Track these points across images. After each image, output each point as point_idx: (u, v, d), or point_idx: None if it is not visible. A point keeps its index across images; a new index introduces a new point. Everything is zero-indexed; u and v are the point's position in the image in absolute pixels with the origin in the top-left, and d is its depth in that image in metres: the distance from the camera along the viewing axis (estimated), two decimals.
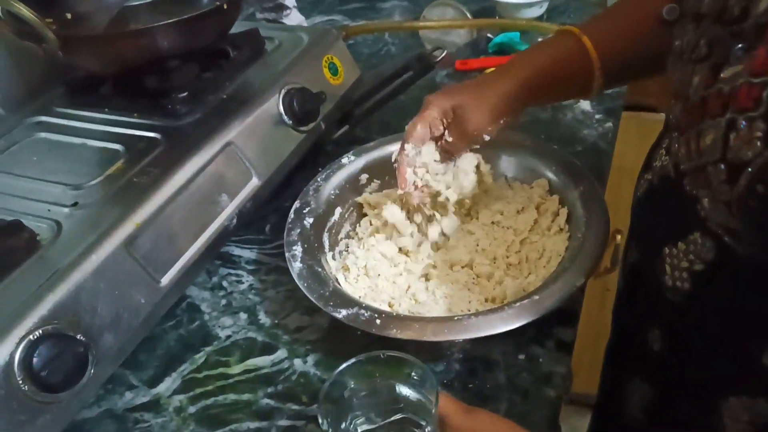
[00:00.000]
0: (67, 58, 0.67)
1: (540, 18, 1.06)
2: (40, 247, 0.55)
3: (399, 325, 0.54)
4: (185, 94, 0.71)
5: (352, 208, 0.72)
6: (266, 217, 0.75)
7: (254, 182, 0.68)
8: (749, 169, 0.35)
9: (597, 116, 0.83)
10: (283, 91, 0.73)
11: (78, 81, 0.78)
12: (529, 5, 1.04)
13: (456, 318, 0.54)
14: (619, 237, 0.64)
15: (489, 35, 1.01)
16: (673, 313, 0.46)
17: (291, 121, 0.73)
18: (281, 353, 0.59)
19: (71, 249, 0.54)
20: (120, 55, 0.68)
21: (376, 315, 0.55)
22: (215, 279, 0.68)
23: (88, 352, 0.50)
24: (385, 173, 0.72)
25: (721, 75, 0.38)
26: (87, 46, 0.67)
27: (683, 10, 0.45)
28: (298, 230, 0.66)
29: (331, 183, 0.71)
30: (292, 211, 0.68)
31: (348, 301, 0.57)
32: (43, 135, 0.71)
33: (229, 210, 0.65)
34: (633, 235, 0.55)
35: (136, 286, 0.56)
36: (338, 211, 0.70)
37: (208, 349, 0.61)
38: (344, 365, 0.46)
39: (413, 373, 0.46)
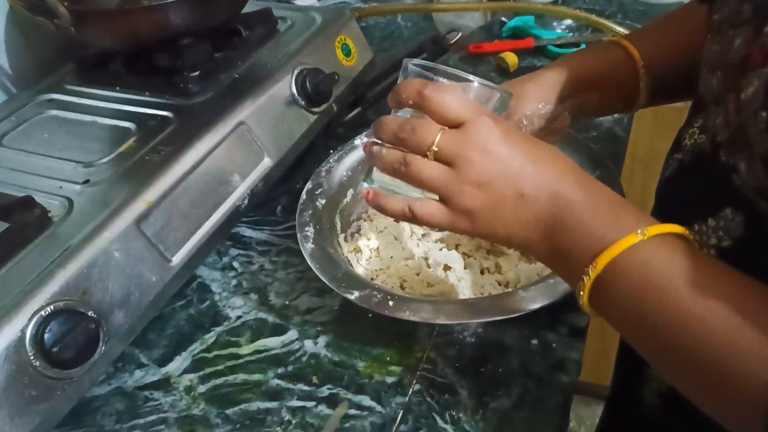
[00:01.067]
0: (80, 34, 0.66)
1: (554, 2, 1.04)
2: (52, 224, 0.54)
3: (412, 308, 0.53)
4: (197, 72, 0.71)
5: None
6: (277, 198, 0.74)
7: (266, 163, 0.67)
8: None
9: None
10: (295, 72, 0.72)
11: (89, 58, 0.77)
12: None
13: (470, 301, 0.54)
14: None
15: (503, 19, 1.00)
16: None
17: (303, 102, 0.72)
18: (292, 334, 0.59)
19: (83, 226, 0.54)
20: (133, 31, 0.67)
21: (389, 297, 0.54)
22: (226, 259, 0.68)
23: (100, 328, 0.50)
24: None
25: (765, 29, 0.38)
26: (100, 21, 0.67)
27: None
28: (310, 211, 0.65)
29: (343, 164, 0.71)
30: (304, 192, 0.67)
31: (360, 283, 0.56)
32: (54, 112, 0.70)
33: (240, 190, 0.64)
34: (656, 216, 0.54)
35: (147, 265, 0.56)
36: (350, 192, 0.70)
37: (218, 329, 0.60)
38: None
39: None
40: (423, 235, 0.66)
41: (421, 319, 0.52)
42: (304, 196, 0.67)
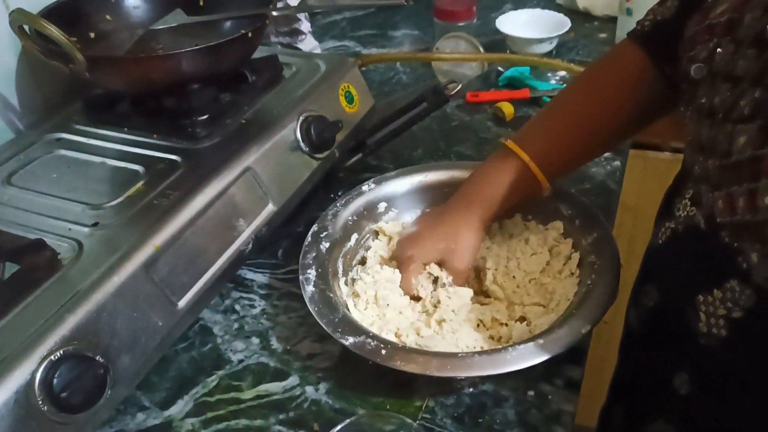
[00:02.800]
0: (94, 79, 0.68)
1: (549, 54, 1.08)
2: (62, 267, 0.55)
3: (403, 358, 0.55)
4: (205, 116, 0.72)
5: (368, 235, 0.73)
6: (279, 242, 0.75)
7: (270, 208, 0.69)
8: None
9: (605, 155, 0.85)
10: (301, 118, 0.74)
11: (97, 98, 0.78)
12: (539, 41, 1.07)
13: (460, 355, 0.55)
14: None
15: (500, 68, 1.03)
16: (706, 358, 0.47)
17: (307, 148, 0.74)
18: (293, 380, 0.60)
19: (92, 270, 0.54)
20: (145, 77, 0.69)
21: (382, 345, 0.56)
22: (228, 302, 0.69)
23: (107, 374, 0.51)
24: (404, 203, 0.75)
25: None
26: (114, 67, 0.68)
27: (712, 70, 0.46)
28: (314, 254, 0.67)
29: (349, 209, 0.73)
30: (309, 234, 0.69)
31: (356, 329, 0.58)
32: (62, 152, 0.72)
33: (245, 235, 0.66)
34: (650, 279, 0.56)
35: (154, 309, 0.56)
36: (354, 237, 0.71)
37: (220, 372, 0.61)
38: (339, 426, 0.48)
39: None
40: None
41: (411, 369, 0.54)
42: (309, 238, 0.69)
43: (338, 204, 0.73)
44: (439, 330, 0.62)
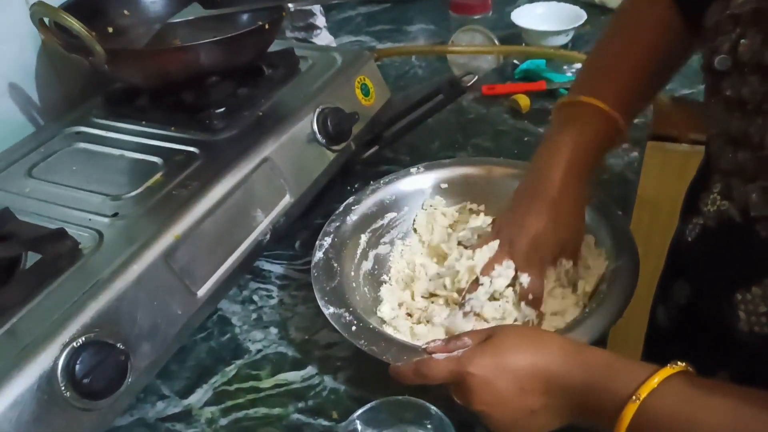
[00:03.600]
0: (113, 71, 0.69)
1: (565, 46, 1.08)
2: (83, 256, 0.56)
3: (369, 339, 0.55)
4: (222, 109, 0.73)
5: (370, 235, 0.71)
6: (296, 233, 0.75)
7: (288, 198, 0.69)
8: None
9: (623, 145, 0.84)
10: (317, 111, 0.75)
11: (116, 92, 0.79)
12: (556, 33, 1.06)
13: (420, 349, 0.54)
14: None
15: (515, 61, 1.03)
16: (750, 357, 0.45)
17: (324, 140, 0.75)
18: (311, 369, 0.60)
19: (112, 259, 0.55)
20: (163, 70, 0.69)
21: (356, 321, 0.57)
22: (246, 293, 0.69)
23: (128, 360, 0.51)
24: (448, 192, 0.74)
25: None
26: (133, 60, 0.69)
27: (738, 61, 0.45)
28: (338, 224, 0.68)
29: (389, 189, 0.73)
30: (342, 205, 0.71)
31: (341, 301, 0.59)
32: (82, 145, 0.72)
33: (263, 225, 0.66)
34: (680, 276, 0.54)
35: (173, 298, 0.57)
36: (390, 216, 0.72)
37: (239, 362, 0.61)
38: (359, 411, 0.48)
39: (428, 423, 0.48)
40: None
41: (369, 352, 0.54)
42: (341, 208, 0.70)
43: (381, 182, 0.73)
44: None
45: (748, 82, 0.44)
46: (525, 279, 0.59)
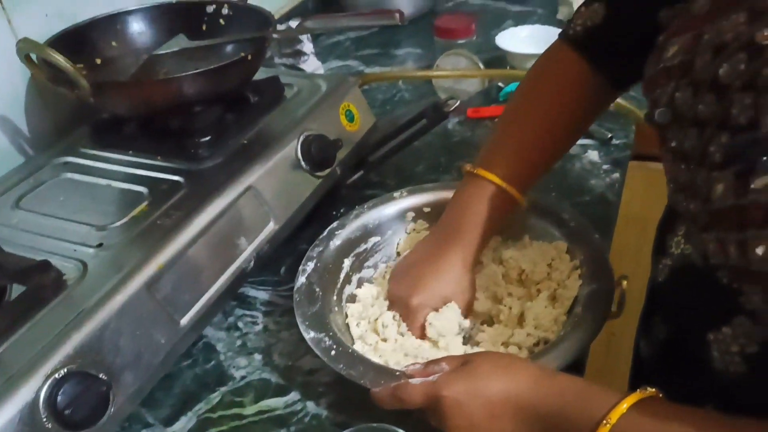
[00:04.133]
0: (98, 103, 0.70)
1: None
2: (67, 287, 0.57)
3: (348, 363, 0.56)
4: (208, 138, 0.74)
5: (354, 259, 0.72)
6: (281, 259, 0.76)
7: (272, 226, 0.70)
8: None
9: (604, 167, 0.85)
10: (301, 138, 0.76)
11: (103, 122, 0.80)
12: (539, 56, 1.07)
13: (398, 373, 0.55)
14: (625, 283, 0.64)
15: (500, 84, 1.04)
16: (730, 391, 0.45)
17: (308, 167, 0.76)
18: (294, 395, 0.61)
19: (96, 289, 0.56)
20: (148, 100, 0.71)
21: (335, 346, 0.58)
22: (231, 319, 0.70)
23: (110, 390, 0.52)
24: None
25: (752, 186, 0.37)
26: (117, 92, 0.70)
27: (677, 114, 0.45)
28: (321, 248, 0.70)
29: (373, 213, 0.74)
30: (327, 230, 0.72)
31: (322, 325, 0.60)
32: (69, 175, 0.73)
33: (247, 253, 0.67)
34: (657, 312, 0.54)
35: (157, 327, 0.58)
36: (373, 241, 0.73)
37: (223, 389, 0.62)
38: None
39: None
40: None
41: (348, 376, 0.55)
42: (324, 233, 0.71)
43: (365, 206, 0.74)
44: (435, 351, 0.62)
45: (688, 135, 0.44)
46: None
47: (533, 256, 0.67)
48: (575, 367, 0.58)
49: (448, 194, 0.76)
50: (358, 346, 0.62)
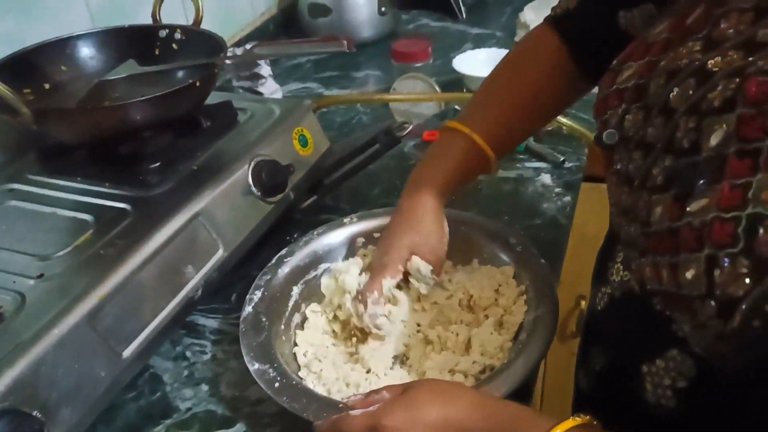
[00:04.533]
0: (41, 130, 0.69)
1: None
2: (3, 320, 0.55)
3: (292, 396, 0.56)
4: (158, 164, 0.73)
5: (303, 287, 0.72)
6: (232, 285, 0.76)
7: (220, 253, 0.69)
8: (743, 306, 0.34)
9: (557, 189, 0.86)
10: (253, 163, 0.75)
11: (50, 148, 0.79)
12: None
13: (340, 405, 0.54)
14: (583, 303, 0.65)
15: (456, 107, 1.05)
16: (663, 427, 0.45)
17: (259, 193, 0.75)
18: (240, 426, 0.60)
19: (33, 322, 0.55)
20: (94, 127, 0.70)
21: (279, 378, 0.57)
22: (179, 348, 0.69)
23: (43, 429, 0.50)
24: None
25: (688, 209, 0.38)
26: (61, 119, 0.69)
27: (625, 136, 0.46)
28: (269, 276, 0.69)
29: (323, 240, 0.74)
30: (275, 257, 0.71)
31: (267, 356, 0.60)
32: (14, 203, 0.72)
33: (194, 281, 0.66)
34: (594, 342, 0.55)
35: (96, 360, 0.56)
36: (322, 267, 0.72)
37: (167, 421, 0.61)
38: None
39: None
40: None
41: (291, 409, 0.55)
42: (273, 260, 0.71)
43: (314, 233, 0.74)
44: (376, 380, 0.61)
45: (633, 158, 0.45)
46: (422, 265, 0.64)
47: (481, 280, 0.67)
48: (522, 393, 0.59)
49: None
50: (303, 374, 0.61)
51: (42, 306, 0.57)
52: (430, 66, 1.10)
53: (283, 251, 0.72)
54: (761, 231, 0.34)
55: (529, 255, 0.67)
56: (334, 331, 0.67)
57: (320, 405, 0.54)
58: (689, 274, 0.37)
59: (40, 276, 0.60)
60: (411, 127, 0.83)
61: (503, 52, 1.16)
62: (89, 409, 0.55)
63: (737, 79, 0.38)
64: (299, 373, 0.61)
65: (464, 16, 1.44)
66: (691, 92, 0.41)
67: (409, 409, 0.48)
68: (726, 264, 0.35)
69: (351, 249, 0.75)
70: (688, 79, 0.42)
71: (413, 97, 1.00)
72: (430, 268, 0.65)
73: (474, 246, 0.71)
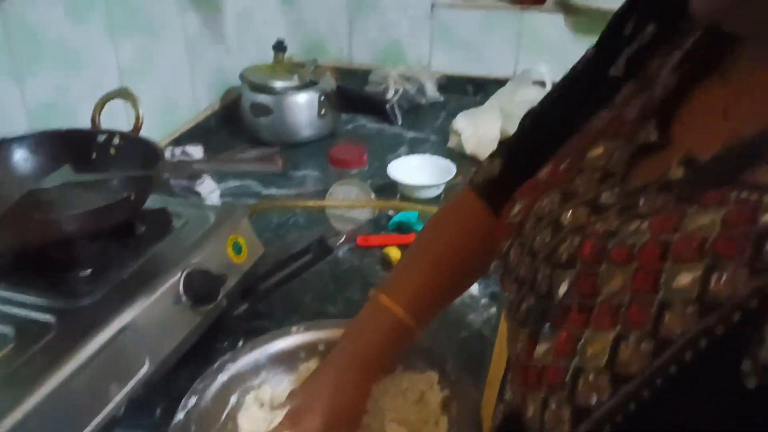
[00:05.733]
0: None
1: (437, 198, 1.16)
2: None
3: None
4: (88, 271, 0.73)
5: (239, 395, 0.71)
6: (158, 399, 0.74)
7: (146, 368, 0.68)
8: None
9: (483, 300, 0.90)
10: (184, 273, 0.76)
11: None
12: (428, 187, 1.14)
13: None
14: None
15: (390, 213, 1.09)
16: None
17: (190, 302, 0.75)
18: None
19: None
20: (23, 236, 0.69)
21: None
22: None
23: None
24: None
25: (535, 352, 0.41)
26: None
27: (507, 269, 0.49)
28: (206, 382, 0.68)
29: (264, 349, 0.73)
30: (217, 362, 0.70)
31: None
32: None
33: (118, 398, 0.65)
34: None
35: None
36: (263, 375, 0.72)
37: None
38: None
39: None
40: None
41: None
42: (215, 366, 0.70)
43: (260, 340, 0.74)
44: None
45: (511, 290, 0.48)
46: None
47: (404, 387, 0.69)
48: None
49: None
50: None
51: None
52: (365, 172, 1.14)
53: (226, 356, 0.71)
54: (581, 383, 0.37)
55: (459, 381, 0.69)
56: None
57: None
58: (530, 411, 0.41)
59: None
60: (344, 238, 0.86)
61: (434, 158, 1.23)
62: None
63: (578, 238, 0.43)
64: None
65: (400, 121, 1.52)
66: (548, 240, 0.45)
67: None
68: (553, 407, 0.38)
69: (294, 360, 0.74)
70: (546, 228, 0.46)
71: (348, 204, 1.03)
72: None
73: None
